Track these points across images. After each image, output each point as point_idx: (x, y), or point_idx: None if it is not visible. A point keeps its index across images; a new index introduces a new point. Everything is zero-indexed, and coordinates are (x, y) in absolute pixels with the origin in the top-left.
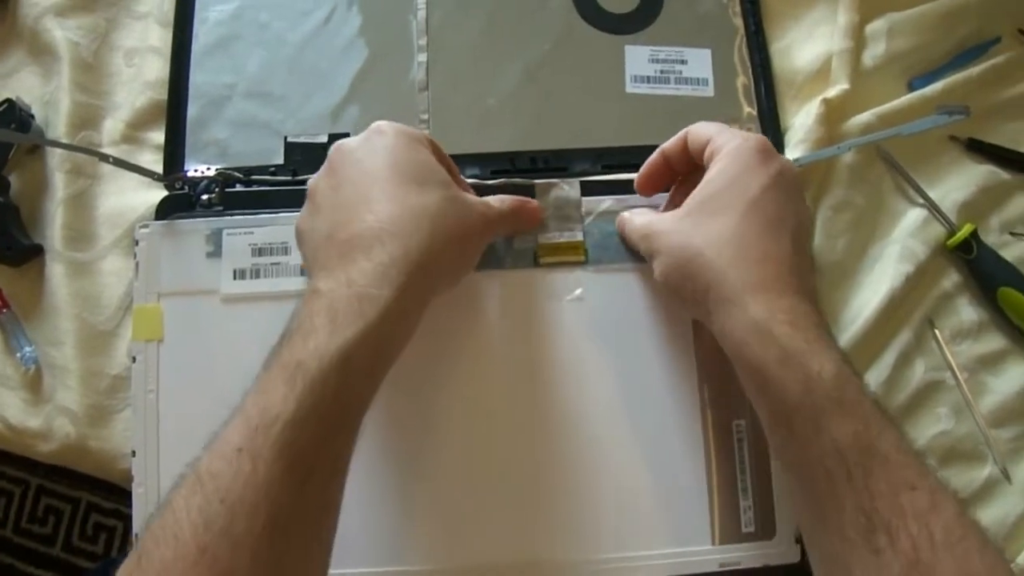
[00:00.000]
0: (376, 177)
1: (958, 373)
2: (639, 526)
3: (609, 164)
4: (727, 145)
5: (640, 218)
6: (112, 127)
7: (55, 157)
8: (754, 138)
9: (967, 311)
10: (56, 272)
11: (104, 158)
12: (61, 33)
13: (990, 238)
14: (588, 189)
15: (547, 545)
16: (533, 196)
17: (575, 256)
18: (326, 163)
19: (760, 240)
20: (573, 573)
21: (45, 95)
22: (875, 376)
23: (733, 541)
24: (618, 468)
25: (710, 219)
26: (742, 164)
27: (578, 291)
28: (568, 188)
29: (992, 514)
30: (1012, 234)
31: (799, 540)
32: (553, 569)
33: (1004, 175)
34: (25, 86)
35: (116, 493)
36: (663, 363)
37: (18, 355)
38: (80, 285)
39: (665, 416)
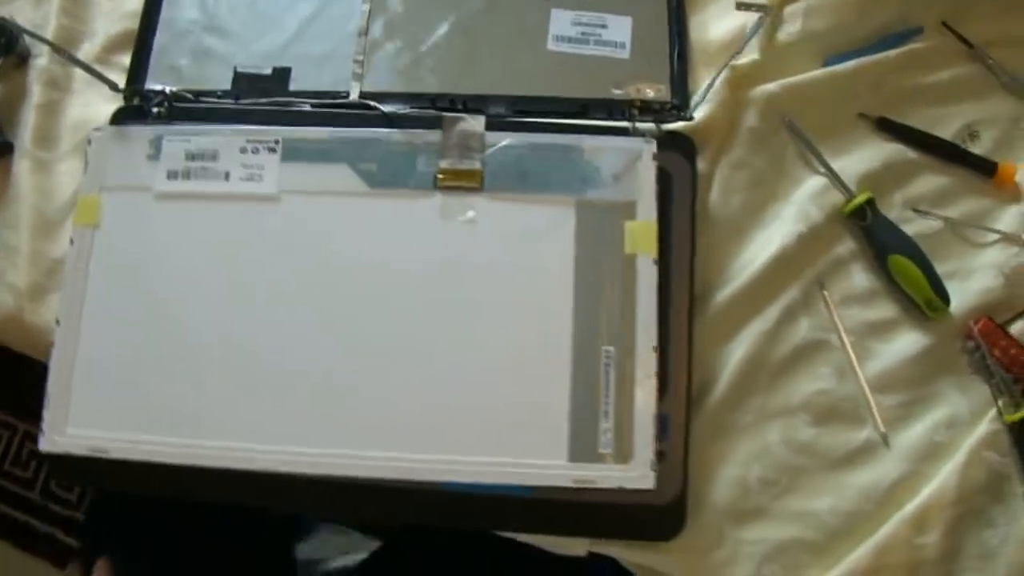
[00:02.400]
0: None
1: (844, 336)
2: (496, 431)
3: (522, 110)
4: None
5: None
6: (88, 49)
7: (36, 71)
8: None
9: (859, 277)
10: (23, 167)
11: (75, 60)
12: None
13: (892, 213)
14: (495, 128)
15: (406, 439)
16: (440, 127)
17: (472, 182)
18: None
19: None
20: (426, 469)
21: (36, 18)
22: (757, 327)
23: (588, 460)
24: (482, 373)
25: None
26: None
27: (470, 213)
28: (474, 122)
29: (866, 477)
30: (915, 210)
31: (655, 468)
32: (406, 464)
33: (911, 154)
34: (20, 11)
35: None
36: (541, 287)
37: None
38: (40, 179)
39: (536, 333)
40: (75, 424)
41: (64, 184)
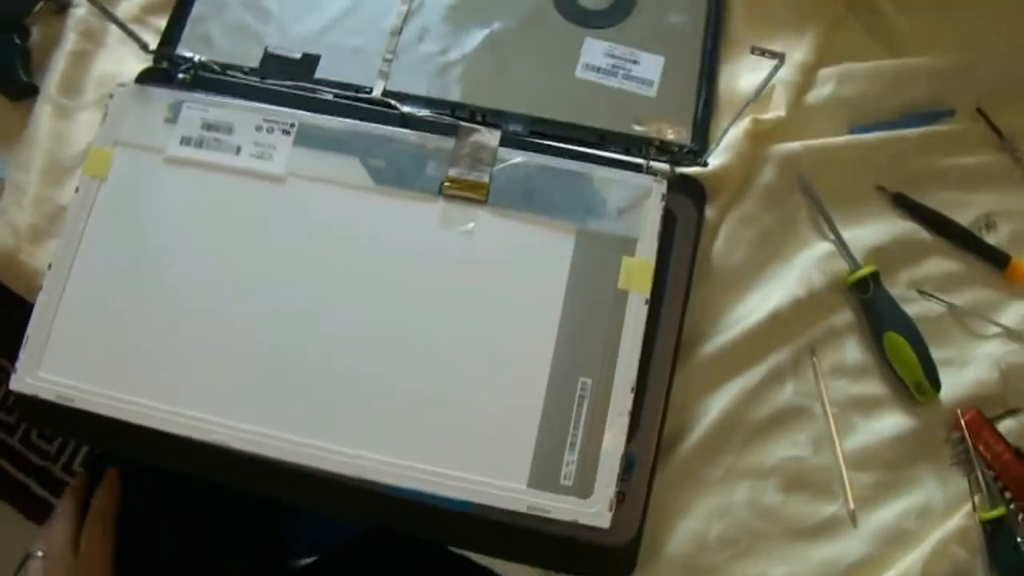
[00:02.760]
0: None
1: (827, 406)
2: (459, 445)
3: (539, 131)
4: None
5: None
6: (126, 9)
7: (73, 20)
8: None
9: (852, 350)
10: (44, 111)
11: (107, 13)
12: None
13: (895, 290)
14: (510, 144)
15: (370, 437)
16: (456, 136)
17: (477, 194)
18: None
19: None
20: (386, 472)
21: None
22: (741, 383)
23: (547, 489)
24: (456, 383)
25: None
26: None
27: (471, 224)
28: (488, 135)
29: (827, 552)
30: (919, 291)
31: (612, 508)
32: (367, 463)
33: (924, 234)
34: None
35: None
36: (528, 308)
37: None
38: (59, 125)
39: (515, 352)
40: (47, 368)
41: (81, 134)
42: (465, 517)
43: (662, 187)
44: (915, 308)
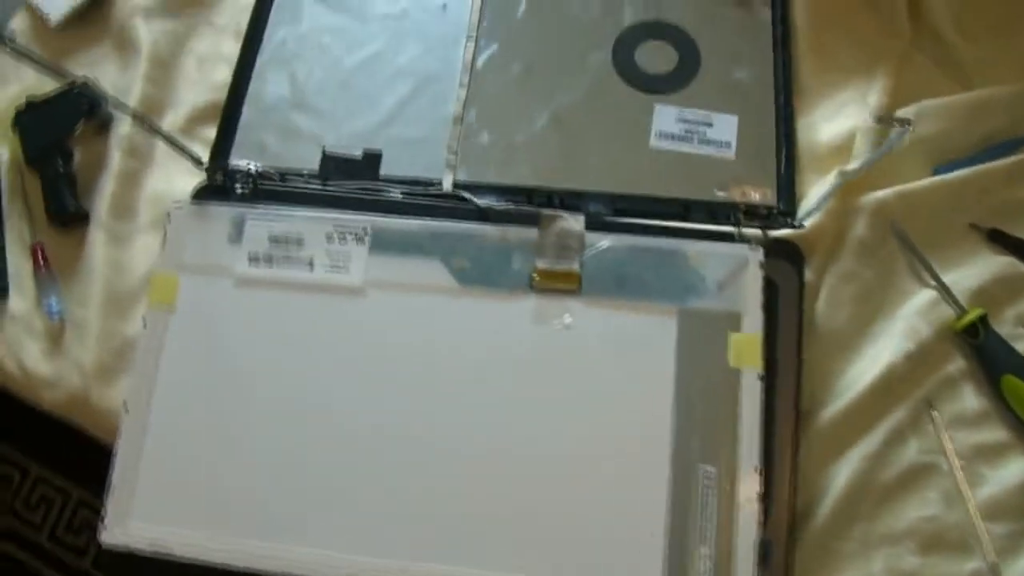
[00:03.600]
0: None
1: (954, 459)
2: (586, 553)
3: (622, 209)
4: None
5: None
6: (172, 120)
7: (116, 137)
8: None
9: (969, 398)
10: (97, 239)
11: (158, 131)
12: (146, 32)
13: (1003, 329)
14: (594, 227)
15: (486, 557)
16: (537, 224)
17: (569, 284)
18: None
19: None
20: None
21: (120, 84)
22: (863, 450)
23: None
24: (573, 489)
25: None
26: None
27: (567, 318)
28: (573, 221)
29: None
30: None
31: None
32: None
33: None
34: (105, 74)
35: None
36: (638, 399)
37: (48, 307)
38: (115, 253)
39: (631, 449)
40: (139, 517)
41: (139, 260)
42: None
43: (759, 255)
44: None
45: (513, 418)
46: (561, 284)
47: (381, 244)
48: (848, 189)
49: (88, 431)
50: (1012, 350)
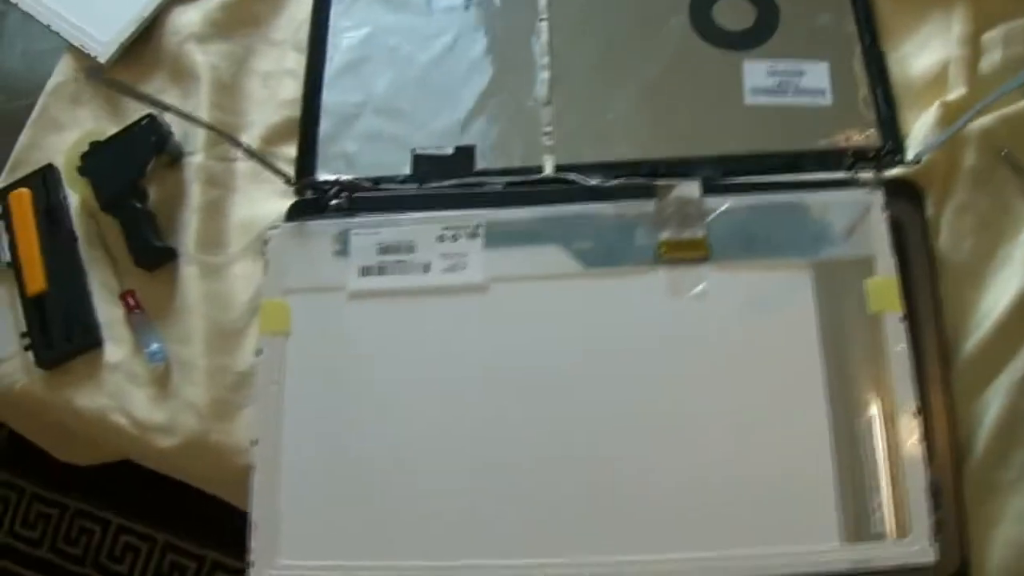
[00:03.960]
0: None
1: None
2: (759, 522)
3: (730, 171)
4: None
5: None
6: (247, 142)
7: (192, 169)
8: None
9: None
10: (189, 274)
11: (246, 149)
12: (202, 58)
13: None
14: (709, 192)
15: (657, 538)
16: (653, 196)
17: (697, 253)
18: None
19: None
20: (690, 570)
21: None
22: (1009, 377)
23: (862, 540)
24: (736, 462)
25: None
26: None
27: (700, 287)
28: (688, 187)
29: None
30: None
31: (934, 540)
32: (667, 566)
33: None
34: None
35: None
36: (786, 358)
37: (148, 352)
38: (211, 287)
39: (788, 411)
40: (288, 553)
41: (239, 290)
42: None
43: (880, 197)
44: None
45: (662, 395)
46: (689, 253)
47: (496, 238)
48: (950, 120)
49: (198, 481)
50: None
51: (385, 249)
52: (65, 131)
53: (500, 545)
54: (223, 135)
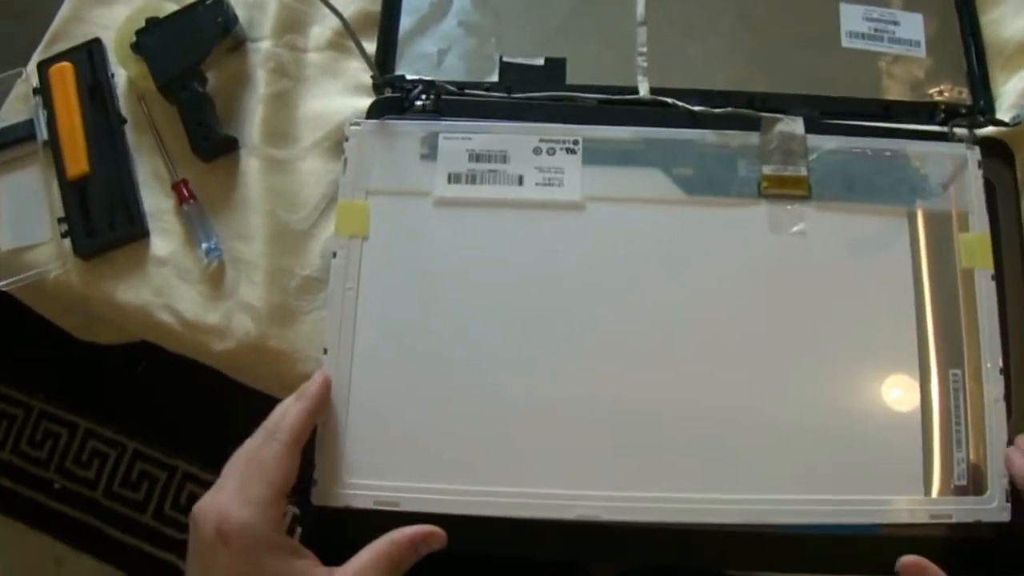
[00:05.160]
0: None
1: None
2: (844, 466)
3: (826, 111)
4: None
5: None
6: (319, 33)
7: (259, 55)
8: None
9: None
10: (252, 167)
11: (344, 21)
12: None
13: None
14: (810, 130)
15: (745, 479)
16: (757, 129)
17: (799, 190)
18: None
19: None
20: (774, 511)
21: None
22: None
23: (945, 493)
24: (827, 407)
25: None
26: None
27: (800, 225)
28: (793, 123)
29: None
30: None
31: (1009, 499)
32: (762, 508)
33: None
34: None
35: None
36: (880, 305)
37: (203, 247)
38: (277, 181)
39: (880, 358)
40: (354, 473)
41: (308, 187)
42: (867, 541)
43: (976, 154)
44: None
45: (756, 329)
46: (791, 190)
47: (594, 155)
48: None
49: (255, 383)
50: None
51: (477, 157)
52: (114, 4)
53: (578, 476)
54: (344, 23)
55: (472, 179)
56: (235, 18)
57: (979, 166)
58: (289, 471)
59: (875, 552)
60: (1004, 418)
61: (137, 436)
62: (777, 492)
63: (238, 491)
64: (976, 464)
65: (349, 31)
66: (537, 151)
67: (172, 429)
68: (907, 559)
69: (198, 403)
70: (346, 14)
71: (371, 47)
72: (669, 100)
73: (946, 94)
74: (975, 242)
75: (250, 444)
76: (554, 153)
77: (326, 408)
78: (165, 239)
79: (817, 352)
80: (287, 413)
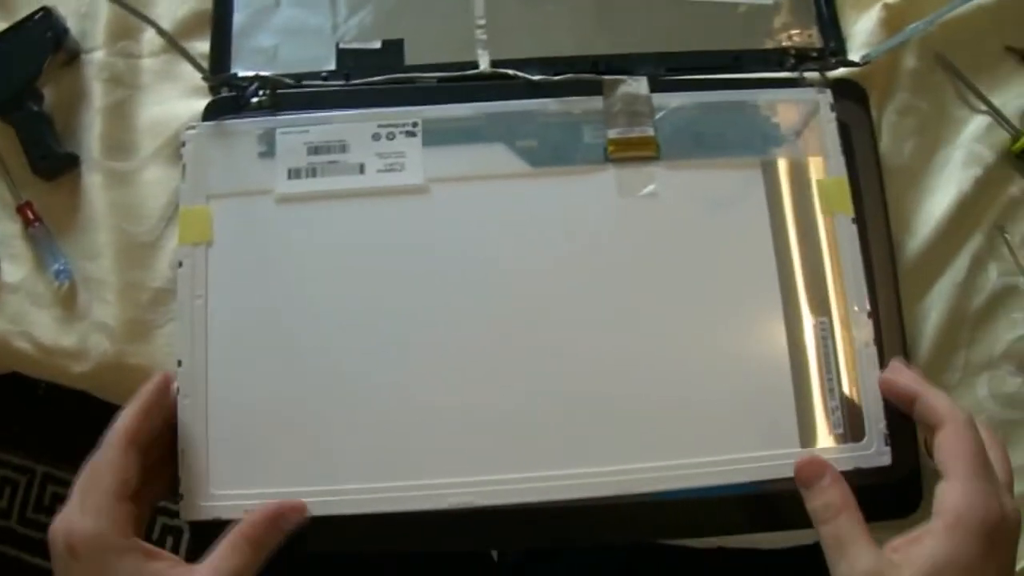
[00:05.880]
0: None
1: None
2: (718, 426)
3: (672, 68)
4: (950, 502)
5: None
6: (152, 37)
7: (93, 67)
8: (981, 514)
9: None
10: (94, 182)
11: (163, 31)
12: None
13: None
14: (657, 89)
15: (617, 450)
16: (600, 93)
17: (647, 151)
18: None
19: None
20: (650, 479)
21: (81, 7)
22: (950, 279)
23: (823, 443)
24: (695, 368)
25: None
26: (961, 566)
27: (651, 186)
28: (636, 84)
29: None
30: None
31: (888, 442)
32: (633, 477)
33: None
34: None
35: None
36: (740, 260)
37: (52, 269)
38: (119, 195)
39: (744, 314)
40: (220, 484)
41: (152, 197)
42: (742, 500)
43: (828, 97)
44: None
45: (614, 297)
46: (638, 151)
47: (435, 136)
48: (894, 22)
49: (118, 400)
50: None
51: (316, 149)
52: None
53: (449, 465)
54: (158, 30)
55: (312, 172)
56: (66, 31)
57: (832, 109)
58: (126, 473)
59: (759, 509)
60: (876, 362)
61: (45, 459)
62: (651, 460)
63: (80, 504)
64: (852, 411)
65: (165, 35)
66: (376, 137)
67: (80, 448)
68: (801, 460)
69: (103, 419)
70: (178, 15)
71: (207, 46)
72: (511, 71)
73: (796, 39)
74: (832, 187)
75: (91, 456)
76: (394, 138)
77: (165, 407)
78: (15, 265)
79: (680, 314)
80: (118, 417)
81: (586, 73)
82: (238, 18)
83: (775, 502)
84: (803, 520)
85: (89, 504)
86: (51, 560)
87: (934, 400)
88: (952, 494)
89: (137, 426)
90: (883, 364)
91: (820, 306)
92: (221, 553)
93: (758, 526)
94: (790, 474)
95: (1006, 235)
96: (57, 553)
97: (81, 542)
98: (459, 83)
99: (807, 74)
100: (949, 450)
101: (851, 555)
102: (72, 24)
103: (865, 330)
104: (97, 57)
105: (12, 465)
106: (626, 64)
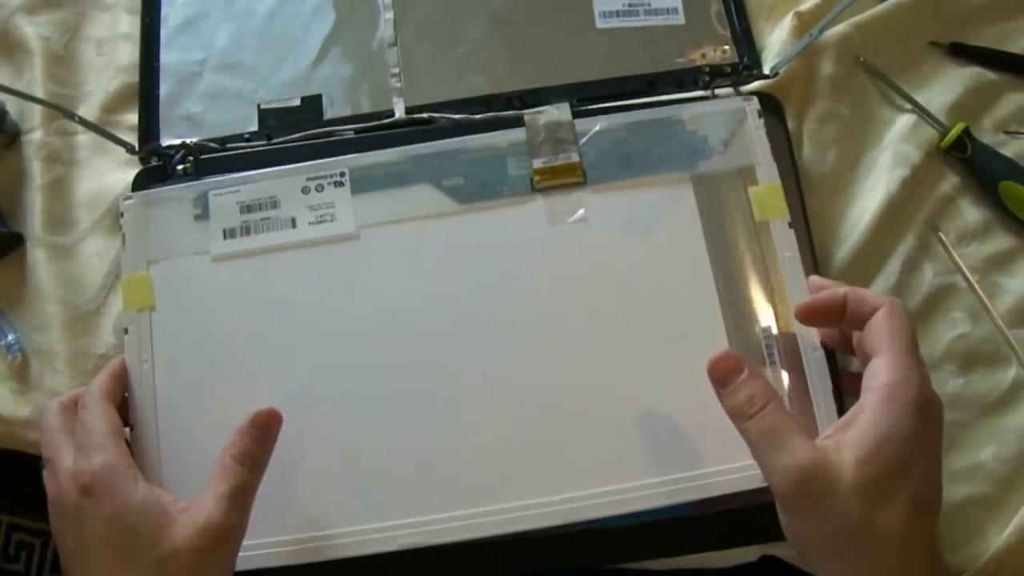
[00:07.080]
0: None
1: (969, 275)
2: (670, 446)
3: (585, 97)
4: (884, 376)
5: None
6: (86, 113)
7: (32, 147)
8: (915, 388)
9: (970, 212)
10: (38, 257)
11: (80, 120)
12: (32, 29)
13: (985, 139)
14: (580, 115)
15: (566, 479)
16: (522, 125)
17: (573, 177)
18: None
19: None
20: (600, 504)
21: (19, 88)
22: (882, 283)
23: None
24: (639, 391)
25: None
26: (902, 437)
27: (580, 212)
28: (558, 111)
29: (1021, 418)
30: (1007, 132)
31: None
32: (582, 505)
33: (991, 75)
34: None
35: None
36: (677, 277)
37: (2, 343)
38: (62, 268)
39: (685, 332)
40: None
41: (92, 268)
42: (687, 522)
43: (755, 104)
44: (1009, 150)
45: (552, 326)
46: (565, 178)
47: (362, 183)
48: (804, 31)
49: None
50: (1001, 156)
51: (248, 208)
52: None
53: (396, 506)
54: (58, 108)
55: (247, 231)
56: (4, 113)
57: (759, 115)
58: (113, 418)
59: (703, 529)
60: (824, 365)
61: (6, 509)
62: (598, 485)
63: (78, 451)
64: (804, 415)
65: (85, 122)
66: (306, 190)
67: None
68: (713, 356)
69: None
70: (109, 89)
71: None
72: (426, 115)
73: (711, 56)
74: (766, 193)
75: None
76: (322, 189)
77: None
78: None
79: (620, 337)
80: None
81: (502, 111)
82: (164, 88)
83: (732, 516)
84: (748, 537)
85: (91, 444)
86: (55, 525)
87: (864, 292)
88: (887, 368)
89: (109, 384)
90: (833, 371)
91: (763, 313)
92: (215, 480)
93: (709, 544)
94: (750, 486)
95: (940, 233)
96: (68, 506)
97: (94, 478)
98: (376, 132)
99: (720, 90)
100: (883, 329)
101: (788, 447)
102: (11, 106)
103: (812, 335)
104: (36, 137)
105: (26, 528)
106: (541, 98)
